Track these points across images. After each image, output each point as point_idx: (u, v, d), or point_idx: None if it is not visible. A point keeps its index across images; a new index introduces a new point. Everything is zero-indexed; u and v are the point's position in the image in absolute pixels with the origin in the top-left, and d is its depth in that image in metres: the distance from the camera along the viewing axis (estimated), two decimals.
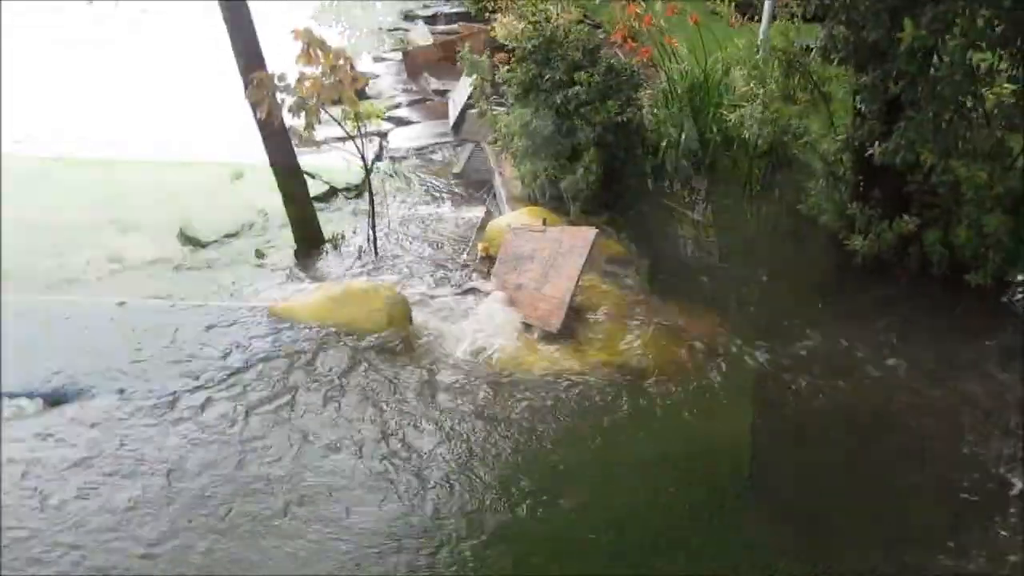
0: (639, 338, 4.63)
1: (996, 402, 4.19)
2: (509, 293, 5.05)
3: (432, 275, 5.74)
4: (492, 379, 4.14)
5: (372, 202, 6.05)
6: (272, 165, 5.89)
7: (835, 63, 5.09)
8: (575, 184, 5.69)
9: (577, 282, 4.50)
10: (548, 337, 4.55)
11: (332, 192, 7.37)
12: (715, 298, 5.19)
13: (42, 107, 10.98)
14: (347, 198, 7.46)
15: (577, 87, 5.61)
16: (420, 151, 8.73)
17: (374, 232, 6.07)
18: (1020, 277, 5.49)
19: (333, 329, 4.45)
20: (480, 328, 4.64)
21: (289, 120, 5.57)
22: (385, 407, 3.84)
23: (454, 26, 15.91)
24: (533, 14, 5.96)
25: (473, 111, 7.88)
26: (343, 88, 5.40)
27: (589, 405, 3.97)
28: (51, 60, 13.65)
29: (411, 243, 6.38)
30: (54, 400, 3.90)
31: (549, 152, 5.83)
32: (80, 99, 11.35)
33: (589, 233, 4.60)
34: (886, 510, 3.47)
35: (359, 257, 6.09)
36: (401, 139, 9.11)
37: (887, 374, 4.44)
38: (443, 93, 11.40)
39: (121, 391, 3.92)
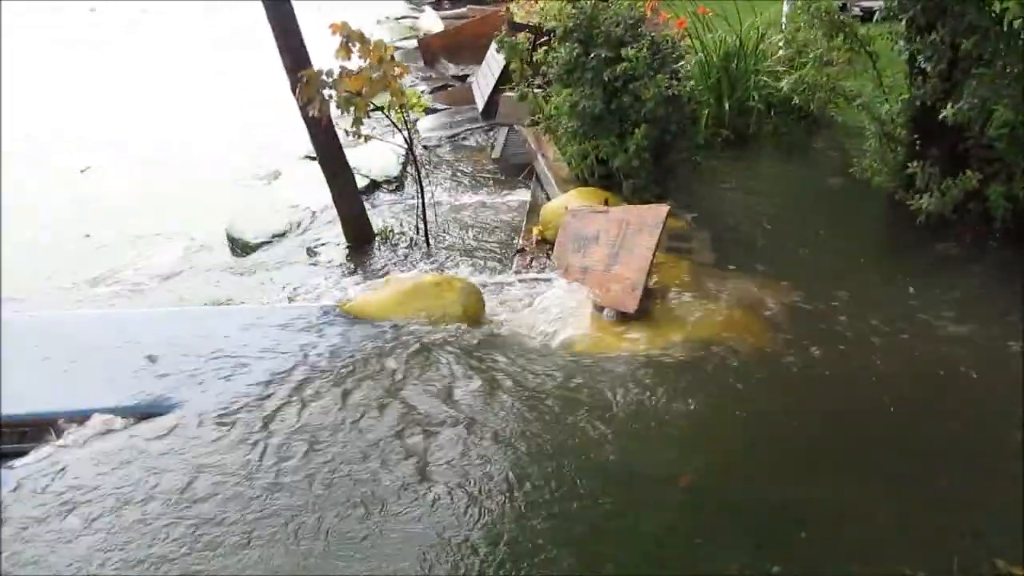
0: (715, 312, 4.58)
1: None
2: (574, 276, 5.00)
3: (489, 262, 5.71)
4: (580, 365, 4.10)
5: (422, 193, 6.01)
6: (321, 162, 5.85)
7: (902, 22, 4.97)
8: (628, 161, 5.62)
9: (652, 261, 4.44)
10: (624, 319, 4.50)
11: (373, 186, 7.33)
12: (783, 265, 5.13)
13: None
14: (388, 191, 7.43)
15: (625, 63, 5.51)
16: (452, 138, 8.67)
17: (425, 223, 6.03)
18: None
19: (410, 323, 4.40)
20: (553, 314, 4.60)
21: (336, 116, 5.52)
22: (490, 400, 3.79)
23: (462, 9, 15.83)
24: None
25: (507, 94, 7.80)
26: (391, 80, 5.35)
27: (682, 383, 3.92)
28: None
29: (460, 231, 6.34)
30: (145, 414, 3.87)
31: (599, 131, 5.75)
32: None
33: (661, 210, 4.55)
34: None
35: (411, 249, 6.04)
36: (430, 127, 9.05)
37: (973, 335, 4.37)
38: (463, 78, 11.35)
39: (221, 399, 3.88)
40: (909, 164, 5.48)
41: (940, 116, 4.91)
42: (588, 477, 3.38)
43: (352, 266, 5.88)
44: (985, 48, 4.47)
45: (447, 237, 6.19)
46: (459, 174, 7.67)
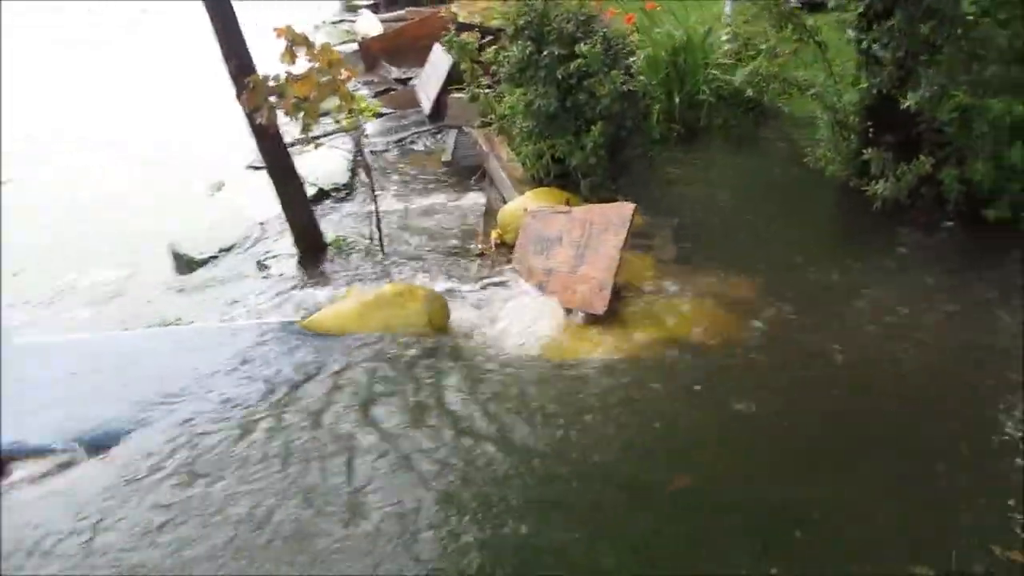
0: (682, 310, 4.52)
1: None
2: (538, 279, 4.90)
3: (448, 268, 5.56)
4: (552, 371, 4.00)
5: (375, 199, 5.84)
6: (269, 171, 5.64)
7: (852, 11, 4.97)
8: (585, 159, 5.53)
9: (619, 261, 4.35)
10: (592, 320, 4.41)
11: (321, 194, 7.13)
12: (745, 258, 5.10)
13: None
14: (337, 199, 7.23)
15: (579, 60, 5.43)
16: (399, 142, 8.50)
17: (380, 230, 5.86)
18: None
19: (374, 336, 4.24)
20: (521, 319, 4.50)
21: (283, 122, 5.33)
22: (460, 411, 3.65)
23: (401, 12, 15.59)
24: None
25: (455, 96, 7.66)
26: (340, 85, 5.18)
27: (657, 384, 3.84)
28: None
29: (415, 237, 6.18)
30: (95, 446, 3.64)
31: (555, 130, 5.66)
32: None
33: (626, 208, 4.47)
34: None
35: (366, 258, 5.87)
36: (376, 131, 8.86)
37: (943, 322, 4.38)
38: (406, 81, 11.16)
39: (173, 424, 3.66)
40: (863, 151, 5.50)
41: (900, 103, 4.92)
42: (573, 486, 3.27)
43: (306, 278, 5.67)
44: (941, 34, 4.49)
45: (402, 244, 6.03)
46: (409, 178, 7.50)
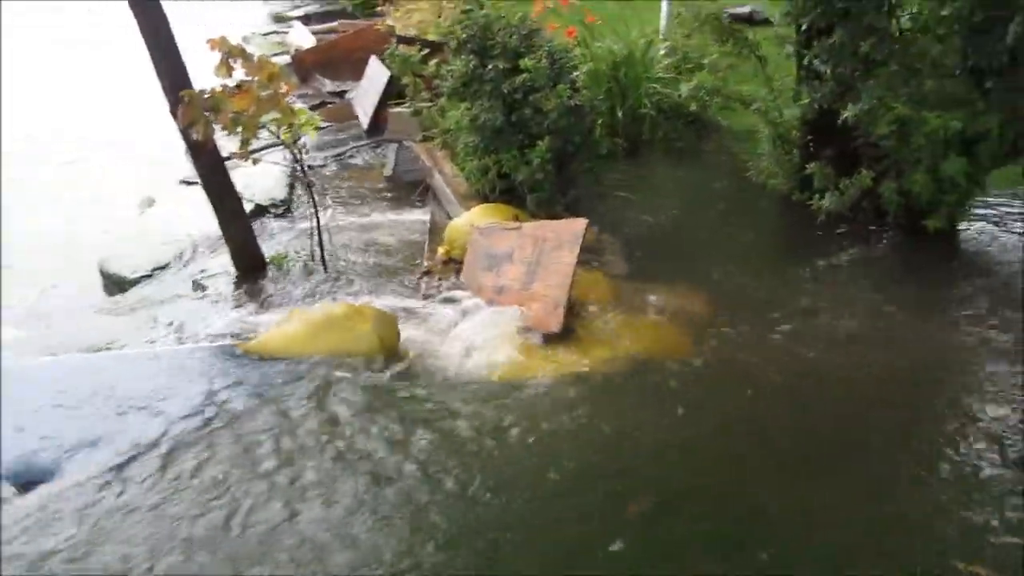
0: (638, 325, 4.49)
1: None
2: (489, 297, 4.81)
3: (394, 286, 5.43)
4: (507, 392, 3.90)
5: (317, 216, 5.67)
6: (206, 187, 5.44)
7: (792, 27, 5.04)
8: (532, 174, 5.47)
9: (573, 278, 4.29)
10: (547, 338, 4.33)
11: (259, 210, 6.91)
12: (695, 272, 5.11)
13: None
14: (275, 215, 7.03)
15: (524, 74, 5.37)
16: (338, 157, 8.32)
17: (322, 248, 5.69)
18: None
19: (320, 359, 4.08)
20: (473, 339, 4.38)
21: (221, 137, 5.14)
22: (415, 440, 3.52)
23: (333, 24, 15.38)
24: (468, 2, 5.67)
25: (396, 110, 7.54)
26: (280, 99, 5.02)
27: (617, 403, 3.80)
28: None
29: (358, 255, 6.02)
30: (24, 482, 3.40)
31: (501, 145, 5.59)
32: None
33: (578, 224, 4.41)
34: None
35: (308, 276, 5.69)
36: (313, 146, 8.62)
37: (891, 330, 4.44)
38: (340, 94, 10.98)
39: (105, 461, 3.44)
40: (806, 166, 5.58)
41: (840, 117, 4.99)
42: (534, 512, 3.17)
43: (245, 298, 5.46)
44: (882, 49, 4.56)
45: (345, 261, 5.86)
46: (350, 194, 7.33)
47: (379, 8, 12.65)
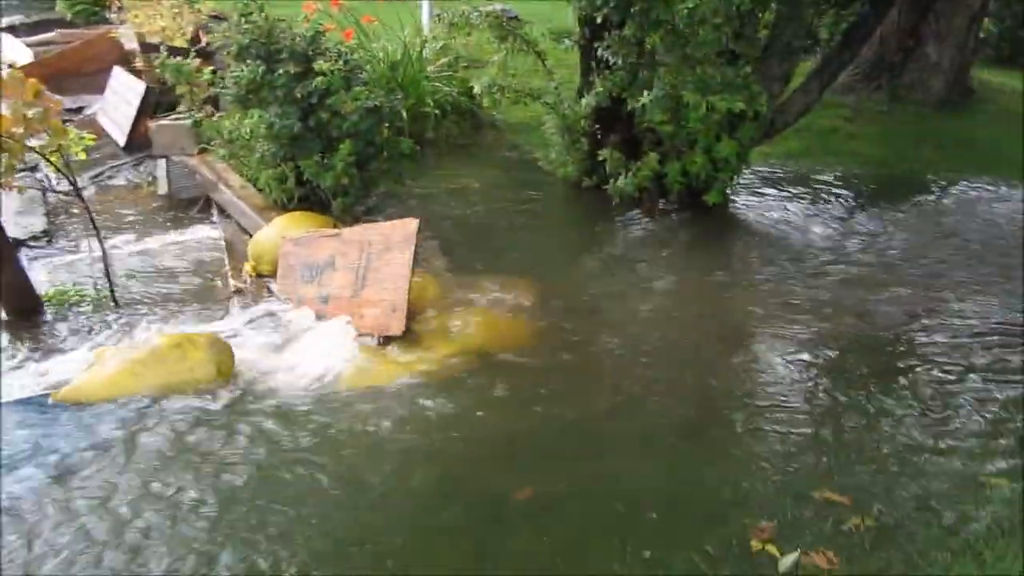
0: (472, 321, 4.54)
1: None
2: (314, 307, 4.65)
3: (201, 311, 5.07)
4: (358, 400, 3.80)
5: (103, 244, 5.17)
6: None
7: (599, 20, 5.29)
8: (337, 179, 5.35)
9: (410, 279, 4.25)
10: (387, 342, 4.27)
11: (16, 244, 6.14)
12: (511, 262, 5.27)
13: None
14: (35, 247, 6.29)
15: (319, 78, 5.23)
16: (95, 178, 7.60)
17: (110, 278, 5.18)
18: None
19: (151, 397, 3.74)
20: (311, 352, 4.21)
21: None
22: (271, 471, 3.33)
23: (50, 34, 13.98)
24: (246, 6, 5.40)
25: (162, 123, 7.00)
26: (50, 118, 4.52)
27: (463, 399, 3.83)
28: None
29: (148, 283, 5.55)
30: None
31: (300, 151, 5.40)
32: None
33: (410, 225, 4.37)
34: None
35: (97, 311, 5.16)
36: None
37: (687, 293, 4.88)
38: (79, 111, 10.03)
39: None
40: (597, 153, 5.92)
41: (626, 106, 5.35)
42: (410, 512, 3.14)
43: (24, 347, 4.83)
44: (668, 41, 4.94)
45: (136, 291, 5.38)
46: (122, 218, 6.72)
47: (110, 15, 11.69)
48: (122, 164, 7.87)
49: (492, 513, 3.17)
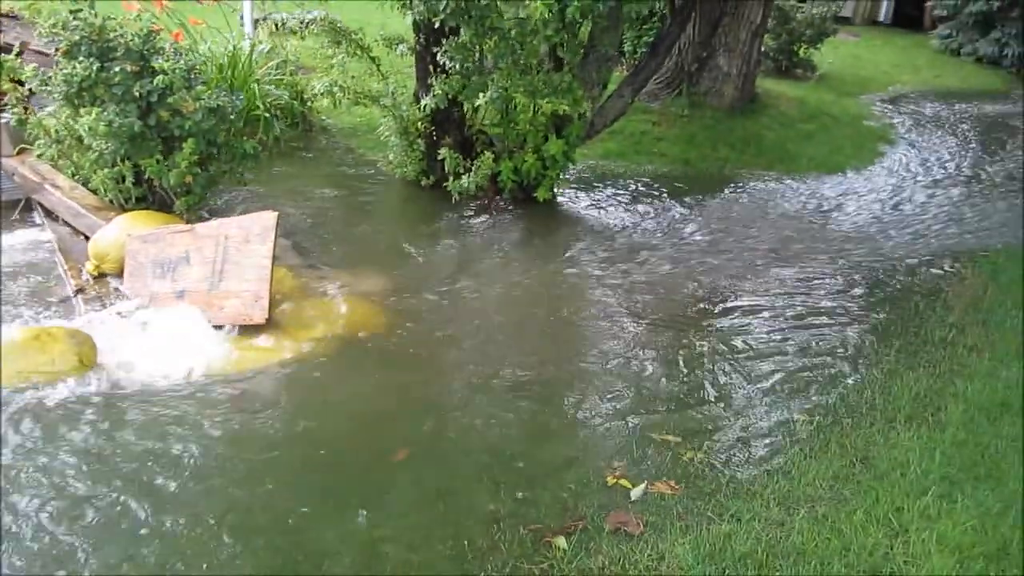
0: (330, 309, 4.76)
1: None
2: (167, 302, 4.70)
3: (42, 311, 4.95)
4: (227, 386, 3.92)
5: None
6: None
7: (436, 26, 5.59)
8: (182, 178, 5.38)
9: (271, 269, 4.42)
10: (248, 331, 4.42)
11: None
12: (360, 256, 5.53)
13: None
14: None
15: (160, 76, 5.24)
16: None
17: None
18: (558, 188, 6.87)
19: (18, 387, 3.70)
20: (174, 344, 4.28)
21: None
22: (142, 454, 3.42)
23: None
24: (75, 3, 5.32)
25: None
26: None
27: (334, 377, 4.07)
28: None
29: None
30: None
31: (139, 150, 5.37)
32: None
33: (268, 218, 4.51)
34: None
35: None
36: None
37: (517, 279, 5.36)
38: None
39: None
40: (437, 153, 6.27)
41: (465, 107, 5.73)
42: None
43: None
44: (502, 47, 5.37)
45: None
46: None
47: None
48: None
49: (373, 472, 3.43)
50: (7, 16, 10.47)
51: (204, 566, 2.84)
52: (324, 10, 8.92)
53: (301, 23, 7.09)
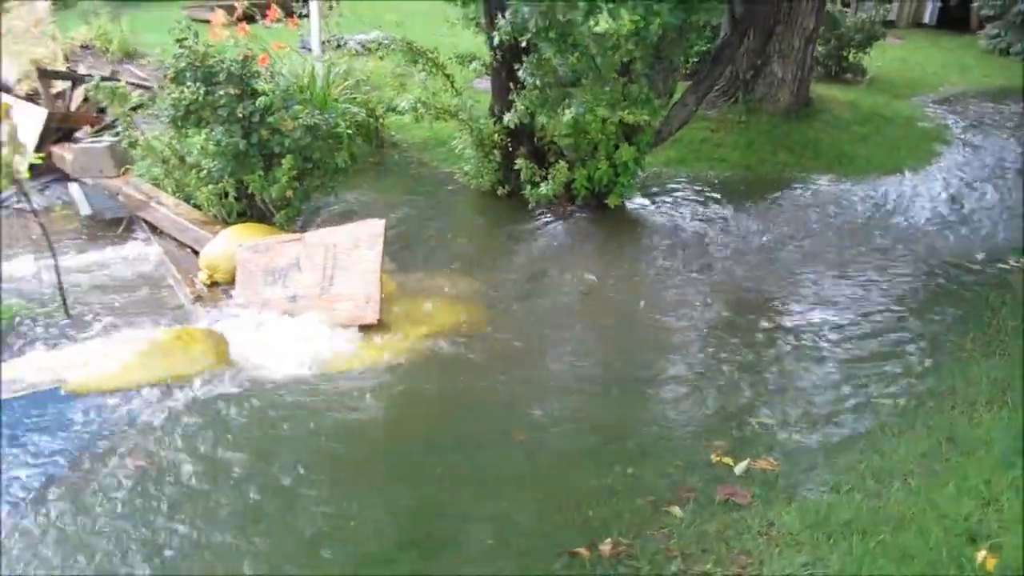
0: (433, 309, 5.10)
1: None
2: (281, 307, 5.05)
3: (160, 317, 5.35)
4: (353, 379, 4.28)
5: (55, 256, 5.35)
6: None
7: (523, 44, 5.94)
8: (283, 192, 5.77)
9: (380, 273, 4.76)
10: (361, 330, 4.76)
11: None
12: (452, 260, 5.88)
13: None
14: None
15: (262, 98, 5.64)
16: (1, 204, 7.56)
17: (62, 291, 5.38)
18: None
19: (160, 385, 4.08)
20: (294, 343, 4.64)
21: None
22: (280, 445, 3.78)
23: None
24: (181, 32, 5.75)
25: (83, 145, 7.14)
26: (14, 137, 4.76)
27: (445, 369, 4.42)
28: None
29: (95, 295, 5.75)
30: None
31: (243, 167, 5.77)
32: None
33: (376, 226, 4.86)
34: None
35: (51, 323, 5.34)
36: None
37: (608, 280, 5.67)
38: None
39: None
40: (514, 163, 6.59)
41: (541, 121, 6.05)
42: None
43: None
44: (584, 62, 5.69)
45: (85, 303, 5.57)
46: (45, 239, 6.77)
47: None
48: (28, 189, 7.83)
49: (492, 451, 3.75)
50: (82, 47, 11.09)
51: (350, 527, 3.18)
52: (384, 31, 9.36)
53: (376, 44, 7.48)
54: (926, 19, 17.15)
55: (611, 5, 4.88)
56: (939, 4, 16.89)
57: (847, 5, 13.59)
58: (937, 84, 12.06)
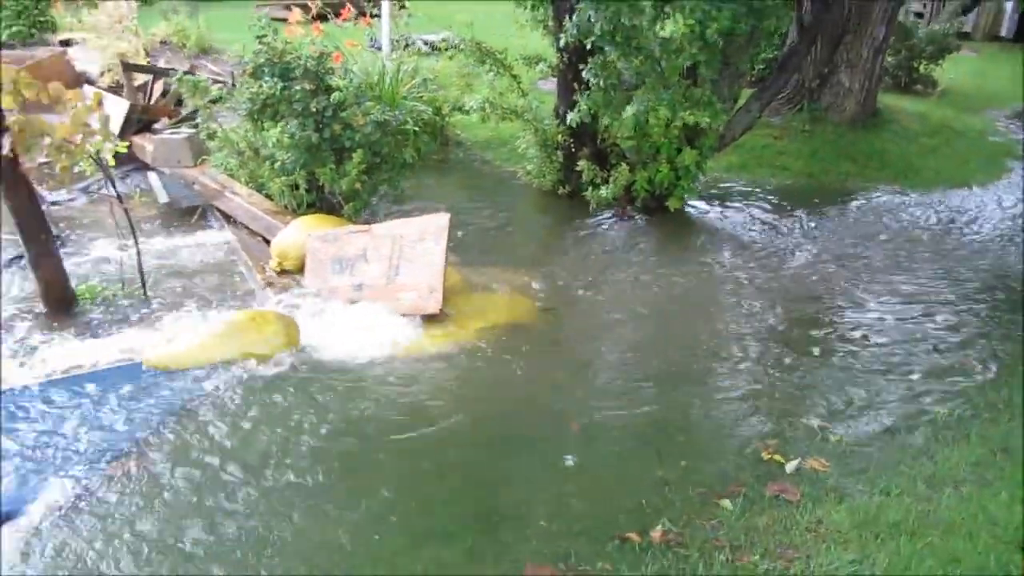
0: (493, 301, 5.25)
1: None
2: (348, 295, 5.24)
3: (232, 301, 5.59)
4: (420, 364, 4.44)
5: (136, 241, 5.63)
6: (19, 222, 5.17)
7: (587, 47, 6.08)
8: (352, 185, 5.97)
9: (444, 265, 4.92)
10: (425, 319, 4.92)
11: None
12: (511, 254, 6.04)
13: None
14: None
15: (336, 93, 5.85)
16: (85, 190, 7.95)
17: (142, 274, 5.65)
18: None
19: (236, 364, 4.29)
20: (360, 329, 4.81)
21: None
22: (357, 421, 3.96)
23: None
24: (261, 29, 6.00)
25: (163, 136, 7.47)
26: (105, 126, 5.03)
27: (504, 355, 4.56)
28: None
29: (171, 279, 6.02)
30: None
31: (315, 160, 5.99)
32: None
33: (442, 219, 5.03)
34: None
35: (131, 303, 5.62)
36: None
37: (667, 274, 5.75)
38: None
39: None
40: (574, 164, 6.71)
41: (611, 121, 6.16)
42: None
43: (70, 335, 5.26)
44: (647, 65, 5.79)
45: (162, 286, 5.85)
46: (125, 224, 7.10)
47: (60, 39, 12.03)
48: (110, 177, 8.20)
49: (550, 441, 3.88)
50: (161, 42, 11.55)
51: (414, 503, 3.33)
52: (453, 31, 9.56)
53: (444, 44, 7.67)
54: (1003, 32, 16.79)
55: (675, 3, 4.93)
56: (1017, 17, 16.52)
57: (921, 16, 13.39)
58: (1011, 99, 11.82)
